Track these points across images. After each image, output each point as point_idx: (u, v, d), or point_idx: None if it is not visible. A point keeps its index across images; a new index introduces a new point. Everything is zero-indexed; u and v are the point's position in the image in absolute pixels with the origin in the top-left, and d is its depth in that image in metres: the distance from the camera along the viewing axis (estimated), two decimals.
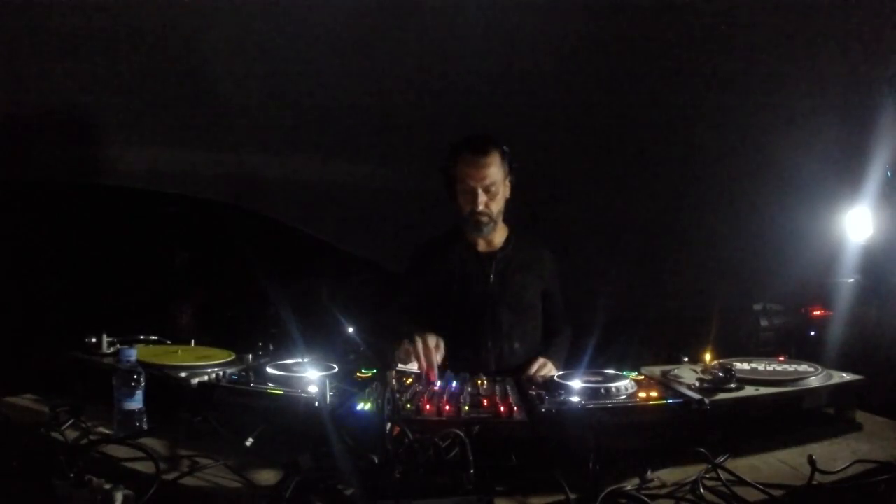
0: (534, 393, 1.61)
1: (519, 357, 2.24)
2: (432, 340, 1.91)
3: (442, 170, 2.27)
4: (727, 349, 2.10)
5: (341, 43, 3.07)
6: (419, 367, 1.87)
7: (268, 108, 3.45)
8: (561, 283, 2.43)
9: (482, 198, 2.17)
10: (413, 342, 1.89)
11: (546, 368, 2.16)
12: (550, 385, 1.69)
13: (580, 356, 1.98)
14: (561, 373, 1.76)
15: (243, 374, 1.70)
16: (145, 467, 1.38)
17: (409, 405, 1.51)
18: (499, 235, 2.35)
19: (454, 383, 1.74)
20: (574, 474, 1.32)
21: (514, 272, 2.30)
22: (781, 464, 1.47)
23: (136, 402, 1.59)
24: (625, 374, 1.76)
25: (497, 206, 2.22)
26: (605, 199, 3.80)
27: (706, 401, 1.53)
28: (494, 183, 2.18)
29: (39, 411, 1.71)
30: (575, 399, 1.54)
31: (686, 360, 1.93)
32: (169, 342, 2.21)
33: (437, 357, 1.88)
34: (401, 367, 1.96)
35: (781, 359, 1.93)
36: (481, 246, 2.34)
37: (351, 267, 4.05)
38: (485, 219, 2.20)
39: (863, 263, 2.87)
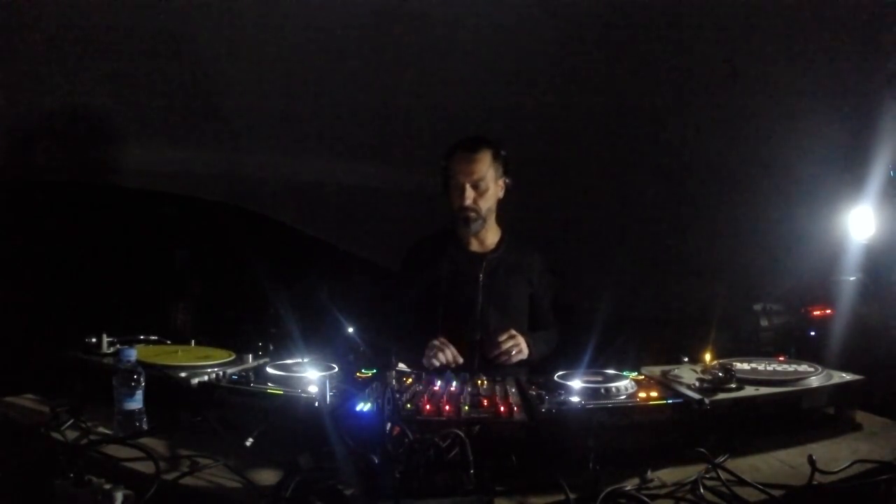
0: (534, 393, 1.61)
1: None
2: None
3: (440, 170, 2.31)
4: (727, 349, 2.10)
5: (342, 43, 3.07)
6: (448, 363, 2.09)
7: (267, 108, 3.45)
8: (549, 287, 2.45)
9: (469, 193, 2.22)
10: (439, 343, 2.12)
11: (515, 340, 2.15)
12: (550, 385, 1.69)
13: (580, 356, 1.98)
14: (561, 373, 1.76)
15: (243, 374, 1.70)
16: (145, 467, 1.38)
17: (409, 405, 1.51)
18: (491, 236, 2.37)
19: (454, 383, 1.74)
20: (574, 474, 1.32)
21: (503, 274, 2.32)
22: (781, 464, 1.47)
23: (136, 402, 1.59)
24: (625, 374, 1.76)
25: (486, 204, 2.26)
26: (605, 200, 3.80)
27: (706, 401, 1.53)
28: (483, 179, 2.22)
29: (39, 411, 1.71)
30: (575, 399, 1.54)
31: (686, 360, 1.93)
32: (169, 342, 2.21)
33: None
34: (402, 367, 1.96)
35: (781, 359, 1.93)
36: (473, 246, 2.35)
37: (351, 267, 4.04)
38: (472, 214, 2.24)
39: (865, 262, 2.87)
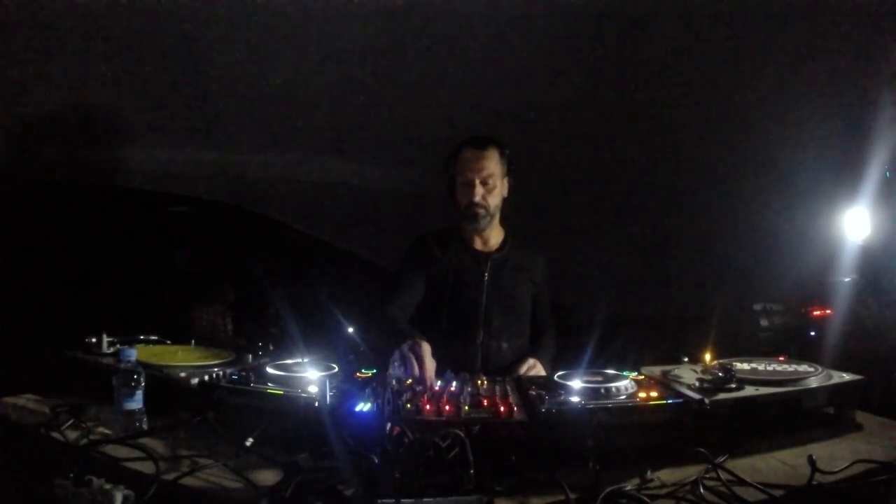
0: (534, 393, 1.61)
1: (506, 356, 2.26)
2: (426, 349, 1.75)
3: (444, 169, 2.33)
4: (727, 349, 2.11)
5: (342, 43, 3.08)
6: (413, 377, 1.70)
7: (267, 108, 3.45)
8: (550, 287, 2.47)
9: (479, 189, 2.24)
10: (409, 351, 1.73)
11: (536, 369, 2.19)
12: (550, 385, 1.69)
13: (580, 356, 1.98)
14: (561, 373, 1.76)
15: (243, 374, 1.70)
16: (145, 467, 1.38)
17: (409, 405, 1.51)
18: (495, 236, 2.38)
19: (454, 383, 1.74)
20: (574, 474, 1.32)
21: (508, 273, 2.33)
22: (781, 464, 1.47)
23: (136, 402, 1.59)
24: (625, 374, 1.76)
25: (494, 201, 2.28)
26: (604, 200, 3.81)
27: (706, 401, 1.53)
28: (492, 176, 2.25)
29: (39, 411, 1.71)
30: (575, 399, 1.54)
31: (686, 360, 1.93)
32: (169, 342, 2.21)
33: (431, 367, 1.73)
34: (390, 373, 1.80)
35: (781, 359, 1.93)
36: (478, 245, 2.36)
37: (351, 267, 4.04)
38: (481, 211, 2.26)
39: (861, 263, 2.88)
